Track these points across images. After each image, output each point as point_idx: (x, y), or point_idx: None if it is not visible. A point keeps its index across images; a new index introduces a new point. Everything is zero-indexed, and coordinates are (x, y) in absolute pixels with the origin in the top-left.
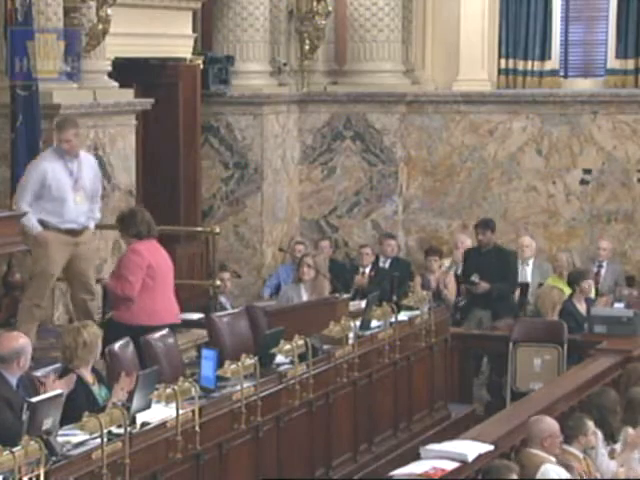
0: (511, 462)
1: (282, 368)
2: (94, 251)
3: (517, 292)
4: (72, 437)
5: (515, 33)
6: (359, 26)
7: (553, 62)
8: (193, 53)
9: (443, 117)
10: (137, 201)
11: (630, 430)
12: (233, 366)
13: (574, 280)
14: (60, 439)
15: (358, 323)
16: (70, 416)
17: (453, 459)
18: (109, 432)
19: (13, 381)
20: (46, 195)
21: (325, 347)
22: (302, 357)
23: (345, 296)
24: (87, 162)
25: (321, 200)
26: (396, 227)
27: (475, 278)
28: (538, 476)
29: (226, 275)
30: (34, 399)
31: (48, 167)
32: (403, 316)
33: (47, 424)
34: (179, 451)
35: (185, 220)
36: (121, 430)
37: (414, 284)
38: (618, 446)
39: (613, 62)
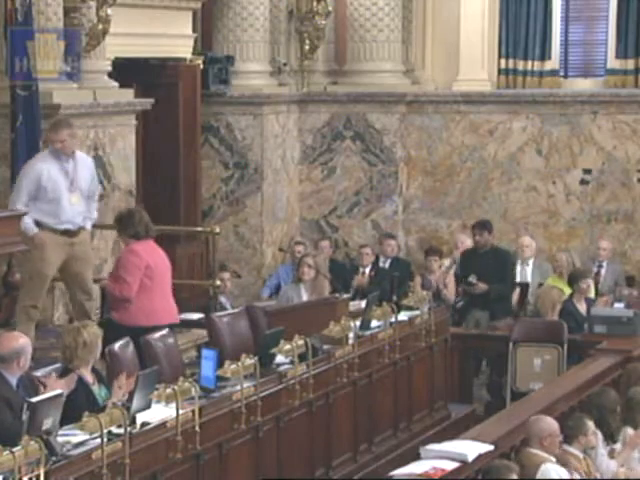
0: (511, 462)
1: (282, 368)
2: (91, 251)
3: (517, 292)
4: (72, 437)
5: (515, 33)
6: (359, 26)
7: (553, 62)
8: (193, 53)
9: (443, 117)
10: (137, 201)
11: (630, 430)
12: (233, 366)
13: (574, 280)
14: (60, 439)
15: (358, 323)
16: (70, 416)
17: (453, 459)
18: (109, 432)
19: (13, 381)
20: (42, 196)
21: (325, 347)
22: (302, 357)
23: (345, 296)
24: (83, 162)
25: (321, 200)
26: (396, 227)
27: (473, 279)
28: (538, 476)
29: (226, 275)
30: (34, 399)
31: (43, 168)
32: (403, 316)
33: (47, 424)
34: (179, 451)
35: (185, 220)
36: (121, 430)
37: (414, 284)
38: (618, 446)
39: (613, 62)
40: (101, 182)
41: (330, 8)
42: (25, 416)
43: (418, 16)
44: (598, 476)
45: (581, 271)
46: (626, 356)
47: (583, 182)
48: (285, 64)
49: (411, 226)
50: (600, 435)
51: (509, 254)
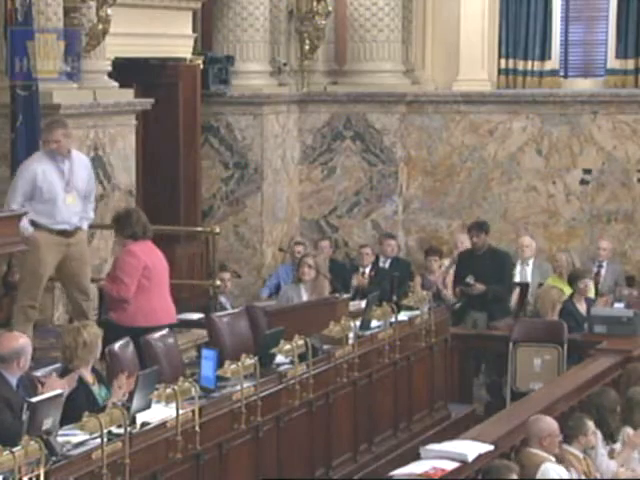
0: (511, 462)
1: (282, 368)
2: (87, 252)
3: (517, 292)
4: (72, 437)
5: (515, 33)
6: (359, 26)
7: (553, 62)
8: (193, 53)
9: (443, 117)
10: (137, 201)
11: (629, 430)
12: (233, 366)
13: (574, 280)
14: (60, 439)
15: (358, 323)
16: (70, 416)
17: (453, 459)
18: (109, 432)
19: (13, 381)
20: (37, 196)
21: (325, 347)
22: (302, 357)
23: (345, 296)
24: (80, 162)
25: (321, 200)
26: (396, 227)
27: (470, 280)
28: (538, 475)
29: (226, 275)
30: (34, 399)
31: (39, 169)
32: (403, 316)
33: (47, 424)
34: (179, 451)
35: (185, 220)
36: (121, 430)
37: (414, 284)
38: (618, 446)
39: (613, 62)
40: (101, 182)
41: (330, 8)
42: (25, 416)
43: (418, 16)
44: (598, 476)
45: (581, 271)
46: (626, 356)
47: (583, 182)
48: (285, 64)
49: (411, 226)
50: (600, 435)
51: (507, 255)
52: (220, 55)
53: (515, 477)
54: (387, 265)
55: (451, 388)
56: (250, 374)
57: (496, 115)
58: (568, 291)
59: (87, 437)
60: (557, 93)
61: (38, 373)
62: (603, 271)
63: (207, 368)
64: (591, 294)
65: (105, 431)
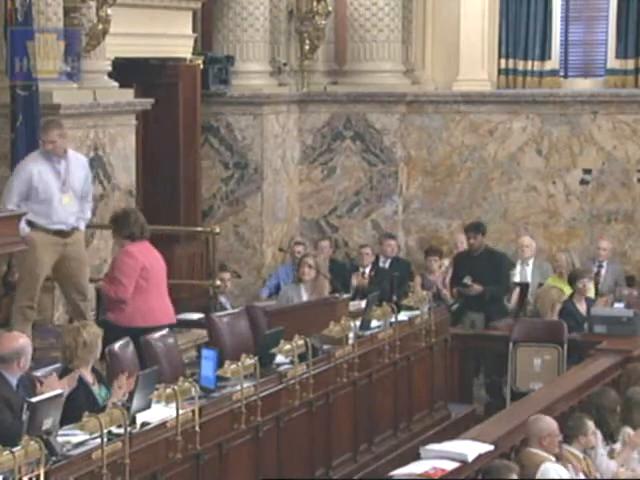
0: (511, 462)
1: (282, 368)
2: (85, 252)
3: (517, 292)
4: (72, 437)
5: (515, 33)
6: (359, 26)
7: (553, 62)
8: (193, 53)
9: (443, 117)
10: (137, 201)
11: (629, 430)
12: (233, 366)
13: (574, 280)
14: (60, 439)
15: (358, 323)
16: (70, 416)
17: (453, 459)
18: (109, 432)
19: (13, 381)
20: (33, 196)
21: (325, 347)
22: (302, 357)
23: (345, 296)
24: (77, 162)
25: (321, 200)
26: (396, 227)
27: (468, 280)
28: (538, 475)
29: (226, 275)
30: (34, 399)
31: (34, 169)
32: (403, 316)
33: (47, 424)
34: (179, 451)
35: (185, 220)
36: (121, 430)
37: (414, 284)
38: (617, 446)
39: (613, 62)
40: (101, 182)
41: (330, 8)
42: (25, 416)
43: (418, 16)
44: (598, 476)
45: (580, 271)
46: (626, 356)
47: (583, 182)
48: (285, 64)
49: (411, 226)
50: (600, 435)
51: (503, 256)
52: (220, 55)
53: (515, 477)
54: (387, 265)
55: (451, 388)
56: (250, 374)
57: (496, 115)
58: (568, 291)
59: (87, 437)
60: (557, 93)
61: (38, 373)
62: (603, 271)
63: (207, 368)
64: (591, 294)
65: (105, 431)
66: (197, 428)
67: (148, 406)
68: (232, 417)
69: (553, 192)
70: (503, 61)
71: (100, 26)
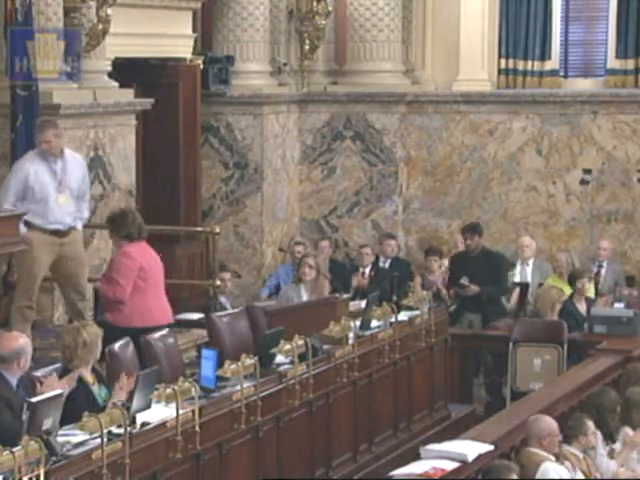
0: (511, 462)
1: (282, 368)
2: (83, 251)
3: (517, 292)
4: (72, 437)
5: (515, 33)
6: (359, 26)
7: (553, 62)
8: (193, 53)
9: (443, 117)
10: (137, 201)
11: (628, 430)
12: (233, 366)
13: (574, 280)
14: (60, 439)
15: (358, 323)
16: (70, 416)
17: (453, 459)
18: (109, 432)
19: (13, 381)
20: (29, 196)
21: (325, 347)
22: (302, 357)
23: (345, 296)
24: (74, 161)
25: (321, 200)
26: (396, 227)
27: (465, 281)
28: (538, 475)
29: (226, 275)
30: (34, 399)
31: (30, 169)
32: (403, 316)
33: (47, 424)
34: (179, 451)
35: (185, 220)
36: (121, 430)
37: (414, 284)
38: (617, 446)
39: (613, 62)
40: (101, 182)
41: (330, 8)
42: (25, 416)
43: (418, 16)
44: (598, 476)
45: (580, 271)
46: (626, 356)
47: (583, 182)
48: (285, 64)
49: (411, 226)
50: (600, 435)
51: (501, 257)
52: (220, 55)
53: (515, 477)
54: (387, 265)
55: (451, 388)
56: (250, 374)
57: (496, 115)
58: (568, 291)
59: (87, 437)
60: (557, 93)
61: (38, 373)
62: (603, 271)
63: (207, 368)
64: (591, 294)
65: (105, 431)
66: (197, 428)
67: (148, 406)
68: (232, 417)
69: (553, 192)
70: (503, 61)
71: (100, 26)
